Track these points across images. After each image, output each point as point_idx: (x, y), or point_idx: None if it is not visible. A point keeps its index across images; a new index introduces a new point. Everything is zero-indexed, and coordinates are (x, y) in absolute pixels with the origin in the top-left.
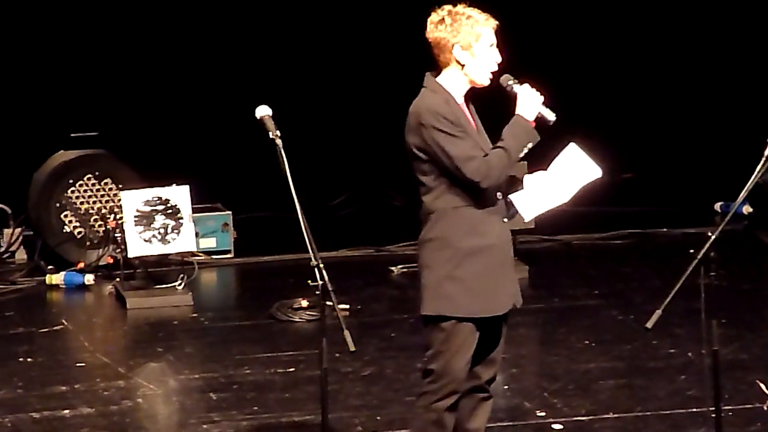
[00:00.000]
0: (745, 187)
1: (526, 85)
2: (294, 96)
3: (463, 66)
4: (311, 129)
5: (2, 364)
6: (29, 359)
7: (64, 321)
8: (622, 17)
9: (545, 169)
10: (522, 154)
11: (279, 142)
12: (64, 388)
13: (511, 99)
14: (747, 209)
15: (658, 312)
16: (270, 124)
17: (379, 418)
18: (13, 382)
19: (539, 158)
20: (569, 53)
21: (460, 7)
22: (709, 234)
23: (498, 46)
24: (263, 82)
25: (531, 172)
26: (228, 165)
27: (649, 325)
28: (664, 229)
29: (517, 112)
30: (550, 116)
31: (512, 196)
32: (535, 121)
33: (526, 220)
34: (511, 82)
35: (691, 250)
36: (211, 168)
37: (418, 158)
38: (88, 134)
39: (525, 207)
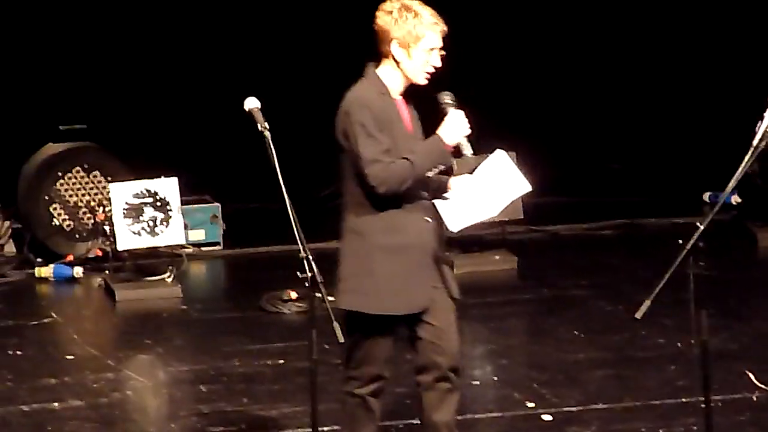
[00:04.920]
0: (734, 177)
1: (459, 112)
2: (282, 87)
3: (398, 62)
4: (300, 120)
5: None
6: (18, 352)
7: (53, 314)
8: (612, 9)
9: (470, 173)
10: (430, 174)
11: (267, 134)
12: (53, 380)
13: (442, 114)
14: (735, 199)
15: (647, 302)
16: (258, 116)
17: None
18: (3, 374)
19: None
20: (559, 45)
21: (415, 3)
22: (698, 224)
23: (445, 49)
24: (252, 74)
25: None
26: (217, 157)
27: (638, 315)
28: (653, 219)
29: (439, 132)
30: (467, 150)
31: (438, 203)
32: (453, 147)
33: (453, 231)
34: (448, 101)
35: (680, 240)
36: (200, 160)
37: (340, 145)
38: (76, 127)
39: (451, 217)
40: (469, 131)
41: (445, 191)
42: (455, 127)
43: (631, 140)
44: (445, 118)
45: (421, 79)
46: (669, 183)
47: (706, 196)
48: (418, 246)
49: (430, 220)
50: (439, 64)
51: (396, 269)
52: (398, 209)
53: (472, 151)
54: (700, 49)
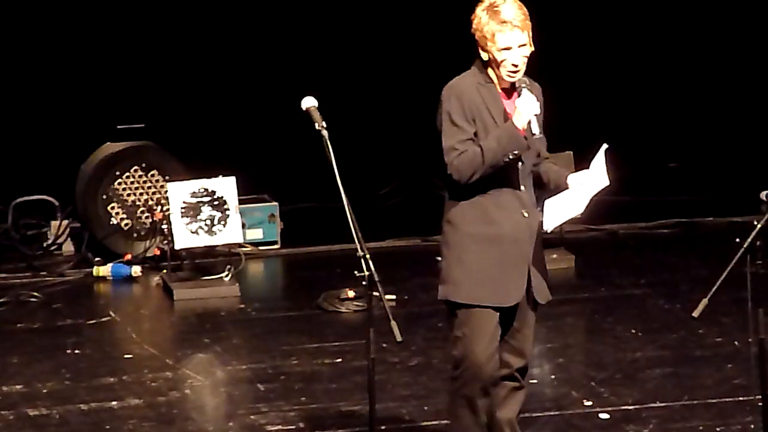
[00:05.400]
0: None
1: (530, 94)
2: (340, 86)
3: (485, 60)
4: (357, 119)
5: (50, 355)
6: (77, 351)
7: (111, 313)
8: (672, 8)
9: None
10: (506, 159)
11: (325, 132)
12: (112, 379)
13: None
14: None
15: (705, 301)
16: (316, 115)
17: (426, 408)
18: (62, 373)
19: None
20: (618, 43)
21: (502, 0)
22: (756, 222)
23: (532, 44)
24: (309, 73)
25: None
26: (274, 156)
27: (695, 314)
28: (710, 218)
29: (512, 118)
30: (535, 130)
31: (548, 201)
32: (525, 130)
33: (547, 230)
34: (523, 86)
35: (737, 239)
36: (258, 159)
37: (440, 135)
38: (134, 126)
39: (549, 216)
40: (537, 111)
41: (565, 187)
42: (524, 108)
43: (689, 139)
44: (517, 102)
45: (505, 76)
46: (726, 182)
47: (763, 195)
48: (511, 239)
49: (527, 215)
50: (516, 62)
51: (486, 259)
52: (492, 200)
53: (539, 131)
54: (758, 45)
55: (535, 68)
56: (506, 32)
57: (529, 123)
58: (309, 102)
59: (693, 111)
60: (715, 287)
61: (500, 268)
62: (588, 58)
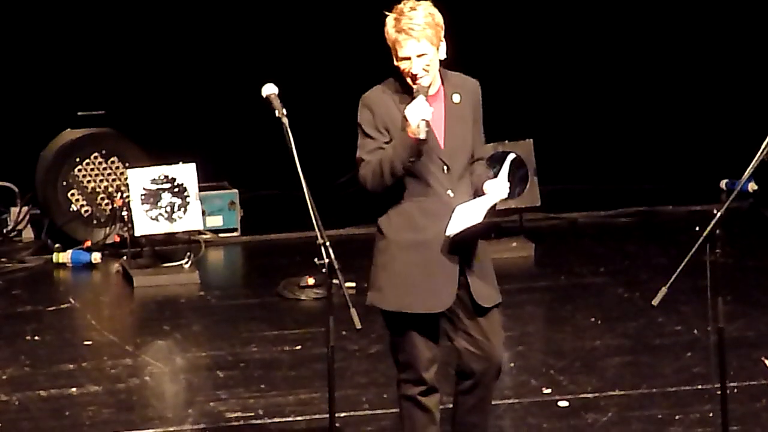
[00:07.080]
0: (751, 165)
1: (421, 98)
2: (300, 74)
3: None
4: (318, 107)
5: (10, 342)
6: (36, 337)
7: (71, 299)
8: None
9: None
10: (405, 166)
11: (285, 120)
12: (71, 366)
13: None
14: (752, 186)
15: (664, 289)
16: (276, 102)
17: (385, 395)
18: (21, 360)
19: None
20: (575, 32)
21: (410, 6)
22: (715, 211)
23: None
24: (269, 60)
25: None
26: (234, 143)
27: (655, 302)
28: (670, 207)
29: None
30: (421, 135)
31: (458, 206)
32: (415, 137)
33: (448, 234)
34: (420, 93)
35: (697, 228)
36: (218, 146)
37: None
38: (94, 113)
39: (454, 221)
40: (428, 117)
41: (482, 193)
42: (411, 114)
43: (649, 127)
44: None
45: (411, 84)
46: (686, 170)
47: (723, 184)
48: (437, 245)
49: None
50: (414, 71)
51: (411, 266)
52: (418, 207)
53: (424, 135)
54: (718, 35)
55: (495, 52)
56: (402, 42)
57: (419, 127)
58: (269, 89)
59: (654, 99)
60: (675, 276)
61: (426, 274)
62: (549, 45)
